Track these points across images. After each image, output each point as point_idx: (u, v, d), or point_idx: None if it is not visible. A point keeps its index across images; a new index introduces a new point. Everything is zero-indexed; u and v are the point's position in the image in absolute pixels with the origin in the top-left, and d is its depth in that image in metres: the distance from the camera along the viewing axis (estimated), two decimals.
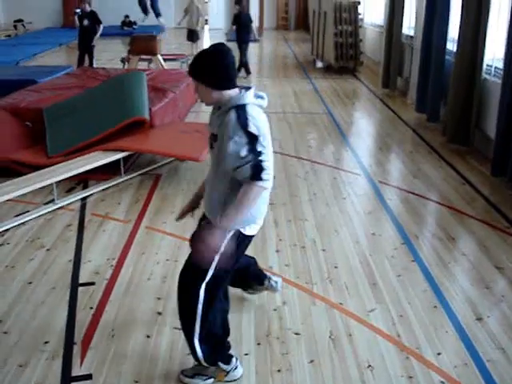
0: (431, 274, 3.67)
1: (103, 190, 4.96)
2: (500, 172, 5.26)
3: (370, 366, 2.84)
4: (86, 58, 10.34)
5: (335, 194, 5.03)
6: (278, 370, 2.80)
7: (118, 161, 5.08)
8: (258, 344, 2.99)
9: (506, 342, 3.04)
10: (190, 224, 4.32)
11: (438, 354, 2.93)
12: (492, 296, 3.47)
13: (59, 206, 4.60)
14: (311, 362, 2.87)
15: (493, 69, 5.98)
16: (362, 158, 6.07)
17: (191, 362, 2.82)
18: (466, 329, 3.14)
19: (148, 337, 3.05)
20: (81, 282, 3.55)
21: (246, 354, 2.91)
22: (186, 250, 3.92)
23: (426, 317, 3.24)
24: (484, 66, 6.02)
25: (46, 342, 2.97)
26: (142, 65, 10.48)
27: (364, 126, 7.72)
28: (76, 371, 2.77)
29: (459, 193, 5.09)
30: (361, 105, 8.92)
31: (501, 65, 5.49)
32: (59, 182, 4.67)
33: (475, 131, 6.10)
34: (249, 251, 3.92)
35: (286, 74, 10.82)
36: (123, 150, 5.10)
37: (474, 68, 6.03)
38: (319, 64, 11.91)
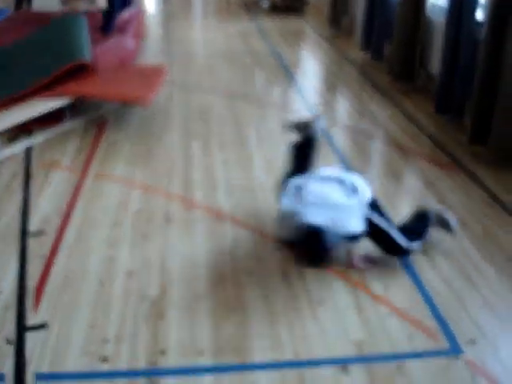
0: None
1: (48, 137, 4.85)
2: (444, 110, 5.36)
3: (320, 300, 2.93)
4: None
5: (283, 135, 5.04)
6: (233, 309, 2.86)
7: (61, 107, 4.94)
8: (213, 285, 3.03)
9: (449, 272, 3.18)
10: (139, 170, 4.32)
11: (386, 286, 3.04)
12: (437, 232, 3.59)
13: (3, 156, 4.48)
14: (264, 300, 2.93)
15: (437, 7, 6.01)
16: (309, 98, 6.08)
17: (145, 306, 2.86)
18: (413, 262, 3.26)
19: (101, 283, 3.05)
20: (30, 231, 3.51)
21: (201, 295, 2.95)
22: (134, 196, 3.92)
23: (375, 252, 3.34)
24: (428, 5, 6.05)
25: None
26: (84, 5, 10.06)
27: (311, 67, 7.70)
28: (31, 320, 2.77)
29: (405, 131, 5.18)
30: (307, 45, 8.87)
31: (445, 3, 5.51)
32: (1, 131, 4.53)
33: (420, 69, 6.16)
34: (199, 196, 3.94)
35: (230, 15, 10.62)
36: (67, 96, 4.96)
37: (418, 6, 6.04)
38: (264, 4, 11.71)
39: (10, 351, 2.58)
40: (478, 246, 3.44)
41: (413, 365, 2.55)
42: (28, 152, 4.60)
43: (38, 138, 4.79)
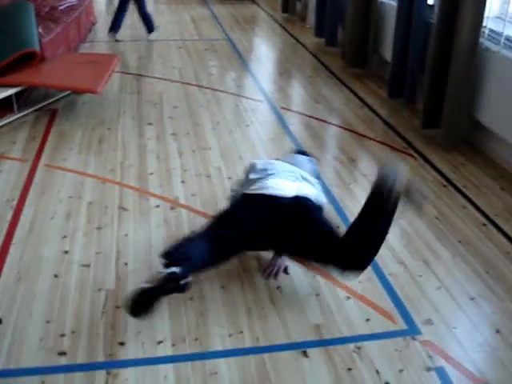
0: (333, 196, 3.79)
1: None
2: (396, 94, 5.43)
3: (279, 287, 2.94)
4: None
5: (238, 121, 5.03)
6: (190, 298, 2.85)
7: (9, 97, 4.81)
8: None
9: (405, 255, 3.22)
10: (91, 159, 4.24)
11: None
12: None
13: None
14: (222, 287, 2.93)
15: None
16: (263, 84, 6.07)
17: (101, 299, 2.82)
18: None
19: (56, 276, 2.99)
20: None
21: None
22: (88, 186, 3.85)
23: None
24: None
25: None
26: None
27: (264, 52, 7.68)
28: None
29: (359, 116, 5.22)
30: (260, 30, 8.83)
31: None
32: None
33: (373, 55, 6.21)
34: (154, 185, 3.89)
35: (182, 0, 10.50)
36: (15, 85, 4.83)
37: None
38: None
39: None
40: (432, 227, 3.49)
41: (371, 346, 2.58)
42: None
43: None
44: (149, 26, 7.74)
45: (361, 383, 2.39)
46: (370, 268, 3.09)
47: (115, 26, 7.61)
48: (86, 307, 2.78)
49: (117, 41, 7.53)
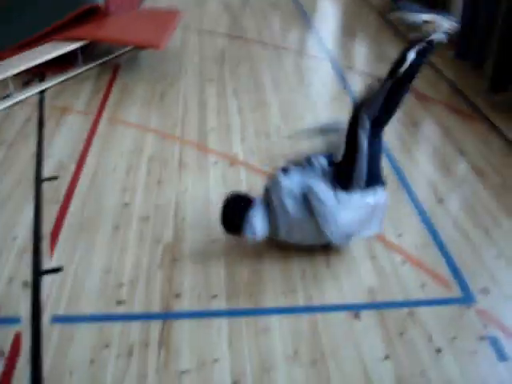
0: (394, 158, 3.72)
1: (61, 82, 4.81)
2: (464, 56, 5.23)
3: (334, 248, 2.93)
4: None
5: (299, 80, 4.97)
6: (246, 255, 2.87)
7: (74, 51, 4.88)
8: None
9: (465, 222, 3.15)
10: (153, 114, 4.28)
11: (400, 235, 3.03)
12: (453, 179, 3.56)
13: (17, 100, 4.46)
14: (278, 245, 2.94)
15: None
16: (326, 42, 5.95)
17: (159, 251, 2.88)
18: (428, 211, 3.23)
19: (116, 228, 3.07)
20: (45, 176, 3.52)
21: (214, 241, 2.96)
22: (149, 141, 3.90)
23: (389, 199, 3.31)
24: None
25: (15, 238, 2.98)
26: None
27: (328, 9, 7.51)
28: (47, 264, 2.81)
29: (424, 77, 5.05)
30: None
31: None
32: (15, 75, 4.50)
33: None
34: (214, 141, 3.91)
35: None
36: (79, 39, 4.89)
37: None
38: None
39: (26, 294, 2.63)
40: (495, 196, 3.39)
41: (425, 312, 2.56)
42: (41, 96, 4.58)
43: (51, 83, 4.75)
44: None
45: (412, 348, 2.38)
46: (428, 233, 3.05)
47: None
48: (145, 259, 2.85)
49: None
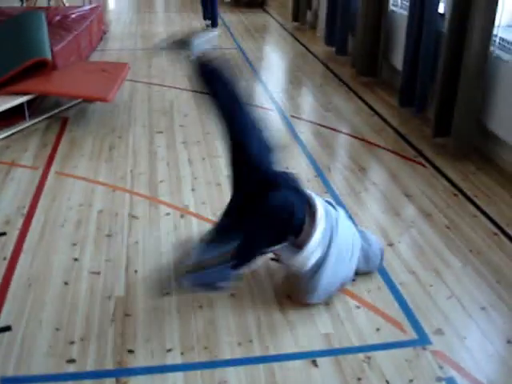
0: (344, 204, 3.78)
1: (7, 136, 4.74)
2: (407, 103, 5.41)
3: (289, 295, 2.93)
4: None
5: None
6: (200, 306, 2.84)
7: (21, 105, 4.84)
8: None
9: (415, 264, 3.20)
10: (102, 167, 4.25)
11: (353, 280, 3.05)
12: (402, 222, 3.63)
13: None
14: (232, 295, 2.92)
15: (399, 0, 6.05)
16: (273, 92, 6.07)
17: (111, 306, 2.82)
18: None
19: (66, 283, 3.00)
20: None
21: (167, 293, 2.92)
22: (98, 194, 3.86)
23: None
24: None
25: None
26: (42, 2, 9.89)
27: (275, 61, 7.70)
28: None
29: (369, 124, 5.21)
30: (271, 39, 8.86)
31: None
32: None
33: (383, 63, 6.20)
34: (164, 192, 3.90)
35: (192, 9, 10.54)
36: (26, 93, 4.86)
37: (381, 0, 6.07)
38: None
39: None
40: (443, 237, 3.47)
41: (381, 356, 2.56)
42: None
43: None
44: (215, 21, 8.90)
45: None
46: (379, 277, 3.08)
47: (214, 20, 8.89)
48: (96, 314, 2.78)
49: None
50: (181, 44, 3.11)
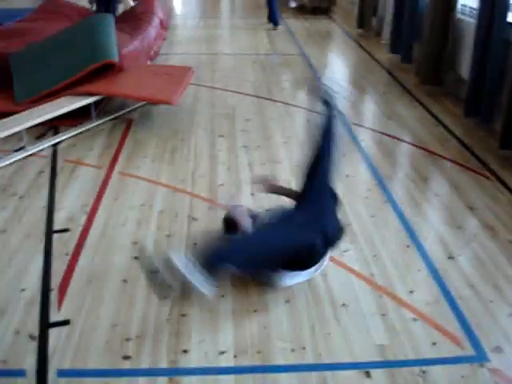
0: (404, 215, 3.72)
1: (74, 135, 4.89)
2: (473, 113, 5.29)
3: (344, 304, 2.90)
4: None
5: (309, 136, 5.01)
6: (255, 311, 2.85)
7: (88, 106, 4.98)
8: (234, 286, 3.02)
9: (476, 279, 3.12)
10: (164, 168, 4.33)
11: (411, 291, 3.00)
12: (463, 235, 3.54)
13: (30, 152, 4.53)
14: (287, 301, 2.92)
15: (467, 8, 5.93)
16: (335, 100, 6.02)
17: (167, 306, 2.86)
18: (438, 267, 3.21)
19: (125, 281, 3.06)
20: (55, 228, 3.53)
21: (223, 296, 2.94)
22: (159, 195, 3.93)
23: (399, 256, 3.31)
24: (459, 6, 5.97)
25: (23, 290, 2.97)
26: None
27: (338, 68, 7.66)
28: (54, 317, 2.79)
29: (432, 134, 5.11)
30: (335, 46, 8.83)
31: (475, 4, 5.43)
32: (29, 128, 4.58)
33: (449, 72, 6.08)
34: (224, 195, 3.93)
35: (258, 15, 10.61)
36: (93, 94, 5.00)
37: (448, 8, 5.97)
38: (292, 4, 11.70)
39: (32, 347, 2.60)
40: (506, 252, 3.37)
41: (437, 371, 2.51)
42: (54, 149, 4.64)
43: (64, 136, 4.83)
44: (274, 19, 9.36)
45: None
46: (438, 290, 3.02)
47: (274, 18, 9.36)
48: (152, 313, 2.83)
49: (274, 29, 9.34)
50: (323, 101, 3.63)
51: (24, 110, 4.79)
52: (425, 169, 4.41)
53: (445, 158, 4.61)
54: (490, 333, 2.73)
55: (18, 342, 2.63)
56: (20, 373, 2.46)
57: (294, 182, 4.10)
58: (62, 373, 2.47)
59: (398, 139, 4.99)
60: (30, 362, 2.51)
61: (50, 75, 5.18)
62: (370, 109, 5.98)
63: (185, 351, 2.60)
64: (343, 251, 3.32)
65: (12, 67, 5.39)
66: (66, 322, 2.75)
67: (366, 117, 5.70)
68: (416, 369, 2.52)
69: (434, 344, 2.66)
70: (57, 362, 2.52)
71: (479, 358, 2.59)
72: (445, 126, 5.27)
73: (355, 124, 5.30)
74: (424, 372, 2.50)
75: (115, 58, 5.29)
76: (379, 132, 5.15)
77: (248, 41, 8.68)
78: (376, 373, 2.49)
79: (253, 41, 8.74)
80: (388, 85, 6.62)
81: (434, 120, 5.44)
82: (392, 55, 7.60)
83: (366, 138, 4.99)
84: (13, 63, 5.42)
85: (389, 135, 5.06)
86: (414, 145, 4.89)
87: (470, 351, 2.62)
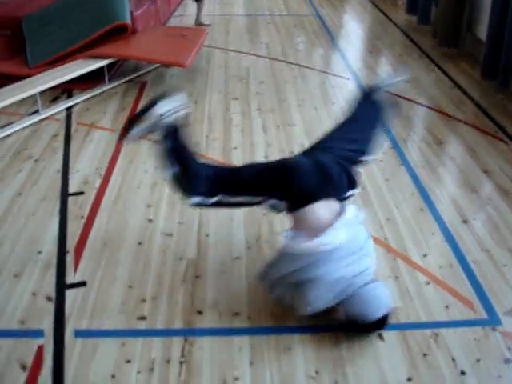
0: (419, 178, 3.70)
1: (88, 98, 4.88)
2: (490, 75, 5.21)
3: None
4: None
5: (324, 98, 4.98)
6: None
7: (101, 69, 4.96)
8: (248, 248, 3.04)
9: (490, 243, 3.11)
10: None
11: (424, 255, 3.00)
12: (478, 199, 3.52)
13: (44, 116, 4.53)
14: None
15: None
16: (351, 61, 5.97)
17: (182, 267, 2.89)
18: (452, 231, 3.20)
19: (140, 243, 3.09)
20: (70, 191, 3.56)
21: (237, 258, 2.97)
22: None
23: (413, 219, 3.30)
24: None
25: (40, 252, 3.01)
26: None
27: (353, 29, 7.54)
28: (70, 279, 2.83)
29: (449, 97, 5.05)
30: (350, 7, 8.67)
31: None
32: (43, 91, 4.58)
33: (466, 34, 5.98)
34: (238, 159, 3.93)
35: None
36: (106, 57, 4.97)
37: None
38: None
39: (50, 309, 2.65)
40: None
41: (449, 334, 2.52)
42: (68, 113, 4.65)
43: (78, 99, 4.83)
44: None
45: (436, 370, 2.35)
46: (452, 254, 3.02)
47: None
48: (167, 275, 2.86)
49: None
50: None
51: (37, 74, 4.78)
52: (440, 132, 4.37)
53: (461, 121, 4.56)
54: (503, 297, 2.74)
55: (36, 303, 2.68)
56: (38, 333, 2.51)
57: (307, 144, 4.08)
58: (78, 333, 2.52)
59: (414, 102, 4.94)
60: (47, 323, 2.56)
61: (62, 38, 5.15)
62: (385, 71, 5.90)
63: (199, 312, 2.63)
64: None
65: (24, 31, 5.37)
66: (82, 284, 2.79)
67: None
68: (428, 331, 2.54)
69: (447, 307, 2.67)
70: (74, 323, 2.56)
71: (492, 321, 2.60)
72: (461, 89, 5.20)
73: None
74: (436, 335, 2.52)
75: (127, 20, 5.24)
76: (395, 94, 5.08)
77: (262, 2, 8.55)
78: (389, 335, 2.51)
79: (267, 2, 8.61)
80: (405, 46, 6.52)
81: (451, 82, 5.37)
82: (409, 16, 7.46)
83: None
84: (25, 27, 5.40)
85: (405, 98, 5.00)
86: (429, 107, 4.84)
87: (482, 315, 2.63)
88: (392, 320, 2.57)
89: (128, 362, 2.38)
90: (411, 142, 4.21)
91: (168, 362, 2.38)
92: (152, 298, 2.72)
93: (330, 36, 6.84)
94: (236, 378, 2.31)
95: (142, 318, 2.60)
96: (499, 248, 3.07)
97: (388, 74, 3.19)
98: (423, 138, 4.30)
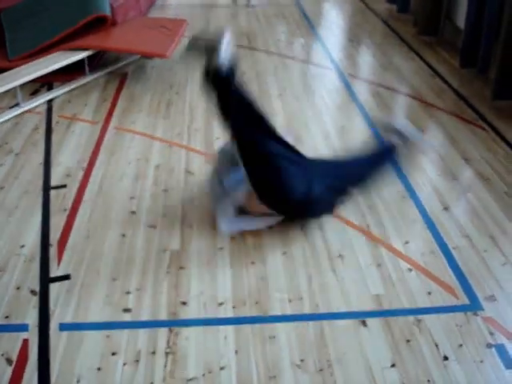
0: (400, 165, 3.73)
1: (69, 91, 4.84)
2: (469, 63, 5.25)
3: (340, 255, 2.94)
4: None
5: (305, 88, 4.99)
6: (252, 263, 2.89)
7: (81, 61, 4.92)
8: (232, 238, 3.06)
9: (471, 229, 3.15)
10: (159, 123, 4.31)
11: (406, 242, 3.04)
12: (459, 186, 3.56)
13: (25, 109, 4.49)
14: (284, 253, 2.95)
15: None
16: (331, 51, 5.98)
17: (166, 259, 2.89)
18: (433, 218, 3.24)
19: (123, 236, 3.09)
20: (53, 184, 3.54)
21: (221, 248, 2.98)
22: (155, 149, 3.93)
23: (395, 207, 3.33)
24: None
25: (23, 246, 3.00)
26: None
27: (334, 18, 7.54)
28: (54, 272, 2.82)
29: (429, 85, 5.08)
30: None
31: None
32: (23, 84, 4.53)
33: (446, 22, 6.01)
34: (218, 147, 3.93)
35: None
36: (86, 49, 4.93)
37: None
38: None
39: (34, 302, 2.64)
40: (500, 203, 3.40)
41: (431, 320, 2.56)
42: (49, 105, 4.61)
43: (58, 92, 4.79)
44: None
45: (419, 355, 2.38)
46: (433, 240, 3.05)
47: None
48: (151, 267, 2.86)
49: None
50: (208, 51, 3.17)
51: (17, 67, 4.73)
52: (421, 120, 4.40)
53: (441, 109, 4.59)
54: (484, 282, 2.78)
55: (20, 297, 2.67)
56: (23, 327, 2.50)
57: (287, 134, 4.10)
58: (63, 326, 2.52)
59: (395, 90, 4.97)
60: (32, 317, 2.56)
61: (41, 31, 5.10)
62: (366, 60, 5.92)
63: (184, 303, 2.64)
64: None
65: (4, 24, 5.31)
66: (66, 277, 2.79)
67: (363, 68, 5.65)
68: (411, 318, 2.57)
69: (429, 293, 2.71)
70: (58, 316, 2.56)
71: (473, 306, 2.64)
72: (441, 77, 5.24)
73: (351, 75, 5.26)
74: (419, 321, 2.55)
75: (107, 12, 5.20)
76: (375, 83, 5.11)
77: None
78: (372, 322, 2.55)
79: None
80: (385, 35, 6.54)
81: (431, 71, 5.40)
82: (389, 5, 7.48)
83: (362, 90, 4.96)
84: (4, 20, 5.34)
85: (385, 86, 5.03)
86: (410, 96, 4.87)
87: (464, 300, 2.68)
88: (375, 307, 2.61)
89: (114, 354, 2.39)
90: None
91: (154, 353, 2.39)
92: (136, 289, 2.72)
93: (310, 25, 6.84)
94: (222, 368, 2.33)
95: (127, 310, 2.60)
96: (480, 234, 3.12)
97: (405, 123, 3.32)
98: None
